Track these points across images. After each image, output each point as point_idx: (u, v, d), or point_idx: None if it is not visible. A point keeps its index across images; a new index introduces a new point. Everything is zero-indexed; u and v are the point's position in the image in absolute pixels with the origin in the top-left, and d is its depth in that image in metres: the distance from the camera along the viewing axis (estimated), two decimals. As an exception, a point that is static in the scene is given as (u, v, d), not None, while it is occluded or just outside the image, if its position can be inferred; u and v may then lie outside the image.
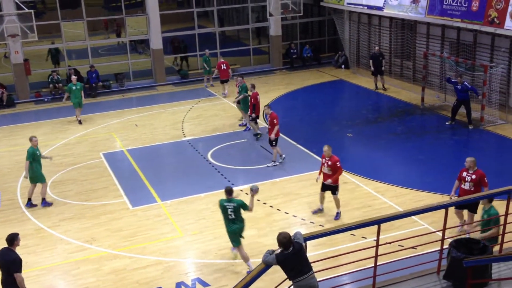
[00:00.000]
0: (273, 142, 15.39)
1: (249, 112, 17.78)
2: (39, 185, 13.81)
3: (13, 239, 8.79)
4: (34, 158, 13.53)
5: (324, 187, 12.49)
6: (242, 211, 10.48)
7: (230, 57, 26.46)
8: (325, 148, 12.39)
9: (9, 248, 8.78)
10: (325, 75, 25.64)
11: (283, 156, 15.73)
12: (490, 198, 9.76)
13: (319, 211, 12.72)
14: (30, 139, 13.78)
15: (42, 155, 14.13)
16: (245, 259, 10.61)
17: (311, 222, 12.40)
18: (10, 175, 15.81)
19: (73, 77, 20.46)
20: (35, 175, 13.62)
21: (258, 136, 17.56)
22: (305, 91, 23.44)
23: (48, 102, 23.23)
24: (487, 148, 16.75)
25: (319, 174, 12.62)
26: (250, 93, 17.66)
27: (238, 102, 18.76)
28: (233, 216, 10.47)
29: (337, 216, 12.49)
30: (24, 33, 21.49)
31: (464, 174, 11.12)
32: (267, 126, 15.53)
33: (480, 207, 10.59)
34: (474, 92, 17.78)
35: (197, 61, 26.37)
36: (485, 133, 17.55)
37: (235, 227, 10.56)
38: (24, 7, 21.68)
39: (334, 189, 12.38)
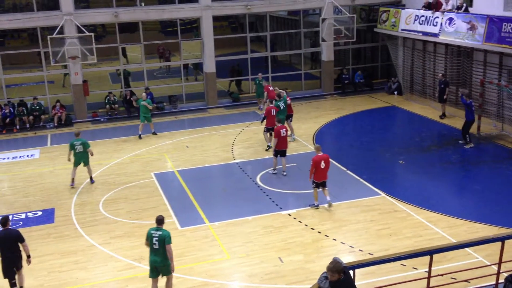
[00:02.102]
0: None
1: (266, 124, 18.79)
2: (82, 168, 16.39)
3: (6, 221, 10.70)
4: (71, 148, 16.19)
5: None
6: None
7: (282, 82, 26.64)
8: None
9: (6, 228, 10.64)
10: (377, 101, 25.38)
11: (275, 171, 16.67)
12: None
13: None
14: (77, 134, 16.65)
15: (86, 148, 16.34)
16: None
17: (359, 250, 12.16)
18: (65, 192, 16.30)
19: (143, 94, 22.07)
20: (74, 160, 16.33)
21: (267, 149, 18.76)
22: (356, 117, 23.24)
23: (104, 122, 23.96)
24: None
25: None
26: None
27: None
28: (156, 246, 10.09)
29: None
30: (84, 55, 22.36)
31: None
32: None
33: None
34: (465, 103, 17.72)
35: (249, 85, 26.68)
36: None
37: (154, 258, 10.17)
38: (84, 30, 22.58)
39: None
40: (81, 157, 16.40)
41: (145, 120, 21.16)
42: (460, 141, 18.75)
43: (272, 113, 18.36)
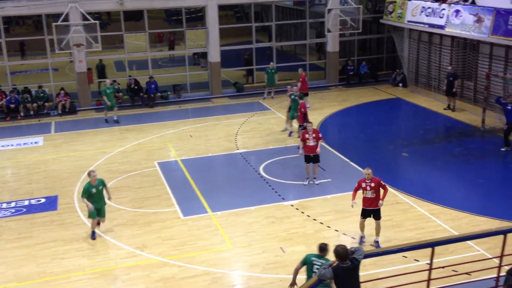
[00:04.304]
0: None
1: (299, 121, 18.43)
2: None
3: None
4: (89, 195, 12.40)
5: (367, 213, 11.91)
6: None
7: (287, 72, 26.56)
8: (368, 170, 11.74)
9: None
10: (382, 93, 25.29)
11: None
12: None
13: (362, 240, 12.10)
14: (89, 174, 12.60)
15: (105, 191, 12.74)
16: None
17: (361, 236, 12.18)
18: (68, 179, 16.34)
19: (107, 81, 22.27)
20: (90, 211, 12.48)
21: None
22: (360, 108, 23.19)
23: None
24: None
25: (354, 198, 11.95)
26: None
27: (288, 111, 19.70)
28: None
29: (377, 245, 11.89)
30: (88, 43, 22.32)
31: (364, 184, 11.65)
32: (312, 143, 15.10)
33: None
34: None
35: (254, 74, 26.62)
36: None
37: None
38: (90, 18, 22.53)
39: (378, 213, 11.81)
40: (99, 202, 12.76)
41: (112, 107, 21.73)
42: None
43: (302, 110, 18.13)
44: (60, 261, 11.81)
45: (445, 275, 8.71)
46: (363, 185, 11.72)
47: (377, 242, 11.93)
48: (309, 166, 15.22)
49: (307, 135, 15.00)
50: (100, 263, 11.67)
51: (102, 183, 12.66)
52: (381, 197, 11.73)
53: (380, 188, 11.70)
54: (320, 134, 15.09)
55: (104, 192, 12.75)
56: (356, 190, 11.93)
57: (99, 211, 12.69)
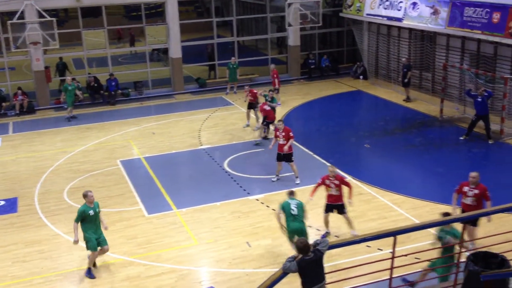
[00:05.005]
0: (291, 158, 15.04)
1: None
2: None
3: None
4: (84, 219, 10.69)
5: (331, 208, 11.95)
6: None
7: (249, 67, 26.56)
8: (330, 168, 11.82)
9: None
10: (343, 86, 25.57)
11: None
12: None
13: (327, 235, 12.16)
14: (85, 195, 10.81)
15: (100, 215, 11.03)
16: None
17: (326, 232, 12.30)
18: (28, 180, 15.97)
19: (68, 78, 21.91)
20: (86, 240, 10.84)
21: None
22: (322, 102, 23.39)
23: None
24: (507, 161, 16.49)
25: (312, 194, 11.99)
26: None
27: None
28: (295, 212, 10.84)
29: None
30: (45, 40, 21.83)
31: (466, 188, 10.97)
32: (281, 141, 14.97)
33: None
34: (489, 94, 17.33)
35: (216, 70, 26.53)
36: (505, 146, 17.30)
37: (296, 224, 10.81)
38: (46, 15, 22.01)
39: (342, 208, 11.87)
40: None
41: (72, 104, 21.57)
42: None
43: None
44: (21, 264, 11.55)
45: (408, 263, 8.87)
46: (327, 182, 11.80)
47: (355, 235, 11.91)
48: (281, 164, 15.12)
49: (277, 133, 15.01)
50: (63, 265, 11.47)
51: (99, 206, 11.02)
52: (348, 195, 11.77)
53: (344, 185, 11.80)
54: (291, 133, 14.79)
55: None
56: (318, 186, 11.99)
57: (99, 239, 10.86)
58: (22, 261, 11.67)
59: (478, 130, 18.00)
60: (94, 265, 11.13)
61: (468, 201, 10.94)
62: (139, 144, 18.66)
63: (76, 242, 10.72)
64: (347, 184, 11.82)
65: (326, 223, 12.17)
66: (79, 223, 10.77)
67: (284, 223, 10.95)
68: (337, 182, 11.71)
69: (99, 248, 10.91)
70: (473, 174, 10.96)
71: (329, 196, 11.89)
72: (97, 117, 22.05)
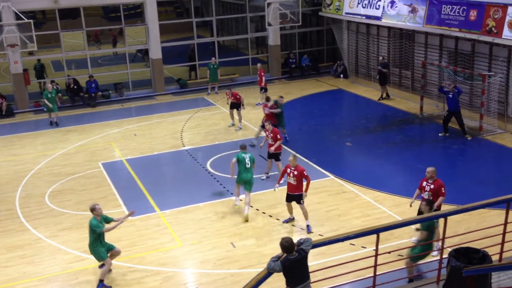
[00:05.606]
0: (279, 157, 15.18)
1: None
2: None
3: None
4: (94, 232, 10.45)
5: (290, 198, 12.39)
6: None
7: (229, 67, 26.53)
8: (291, 158, 12.26)
9: None
10: (324, 85, 25.69)
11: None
12: (431, 206, 9.74)
13: (290, 220, 12.74)
14: (93, 209, 10.51)
15: (104, 228, 10.53)
16: None
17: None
18: (8, 185, 15.78)
19: (48, 86, 21.44)
20: (93, 253, 10.69)
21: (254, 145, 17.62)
22: (303, 101, 23.48)
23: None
24: (486, 157, 16.77)
25: (279, 182, 12.74)
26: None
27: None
28: (249, 166, 12.99)
29: (309, 228, 12.29)
30: (23, 43, 21.56)
31: (424, 183, 11.20)
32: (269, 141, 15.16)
33: None
34: (459, 91, 17.59)
35: (197, 70, 26.46)
36: (484, 142, 17.56)
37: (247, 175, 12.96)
38: (23, 17, 21.74)
39: (299, 198, 12.26)
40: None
41: (53, 110, 21.14)
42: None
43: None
44: (3, 270, 11.41)
45: (391, 260, 8.97)
46: (288, 170, 12.23)
47: (308, 226, 12.32)
48: (271, 161, 15.29)
49: (266, 133, 15.36)
50: (46, 269, 11.36)
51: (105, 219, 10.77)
52: (304, 188, 12.12)
53: (303, 178, 12.09)
54: (278, 135, 15.00)
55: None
56: (282, 174, 12.57)
57: (107, 247, 10.75)
58: (4, 266, 11.53)
59: (457, 126, 18.24)
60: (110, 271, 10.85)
61: (426, 195, 11.13)
62: (121, 146, 18.55)
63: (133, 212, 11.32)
64: (306, 177, 12.15)
65: (290, 210, 12.68)
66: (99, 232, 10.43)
67: (236, 172, 12.99)
68: (296, 173, 12.07)
69: (109, 254, 10.72)
70: (429, 169, 11.19)
71: (288, 185, 12.34)
72: (77, 120, 21.86)
